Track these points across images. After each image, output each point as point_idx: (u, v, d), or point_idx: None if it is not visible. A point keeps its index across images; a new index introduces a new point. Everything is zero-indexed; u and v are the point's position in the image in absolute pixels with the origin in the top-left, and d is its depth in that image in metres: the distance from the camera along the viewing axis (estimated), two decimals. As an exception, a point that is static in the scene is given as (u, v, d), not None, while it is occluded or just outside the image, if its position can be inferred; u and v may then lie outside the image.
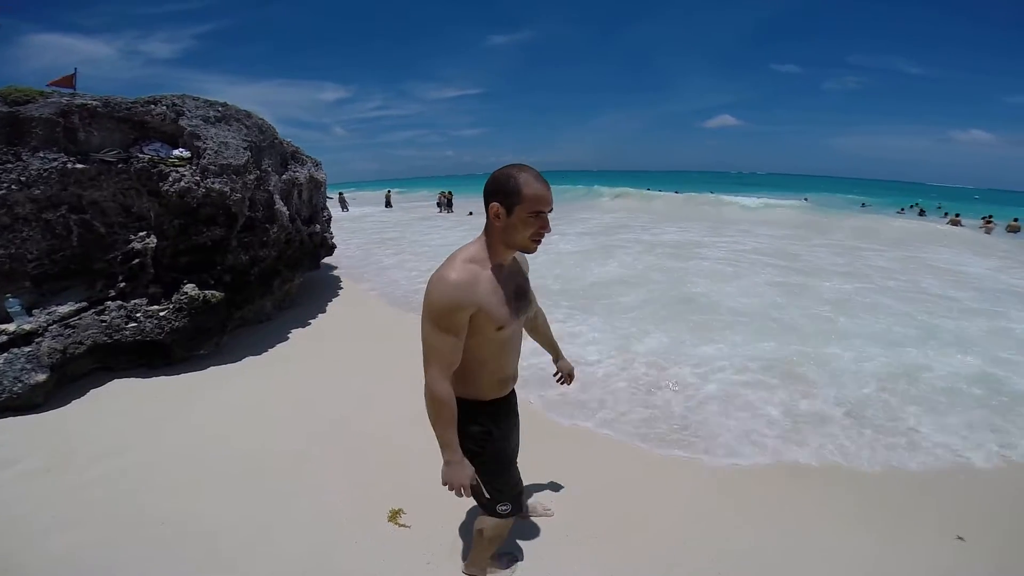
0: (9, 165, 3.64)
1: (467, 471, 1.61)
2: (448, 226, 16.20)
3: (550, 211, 1.50)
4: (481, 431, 1.69)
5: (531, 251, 1.55)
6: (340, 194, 24.19)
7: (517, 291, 1.64)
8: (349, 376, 4.37)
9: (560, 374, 2.19)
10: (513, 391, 1.84)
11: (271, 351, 5.00)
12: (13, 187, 3.60)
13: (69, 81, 6.83)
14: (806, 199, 25.23)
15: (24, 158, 3.66)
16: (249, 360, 4.74)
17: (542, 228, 1.50)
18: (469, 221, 17.43)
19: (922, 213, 23.08)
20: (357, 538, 2.40)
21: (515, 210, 1.46)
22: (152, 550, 2.35)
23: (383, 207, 24.95)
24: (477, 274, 1.50)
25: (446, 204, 22.26)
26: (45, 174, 3.68)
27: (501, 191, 1.46)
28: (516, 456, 1.92)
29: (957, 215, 19.85)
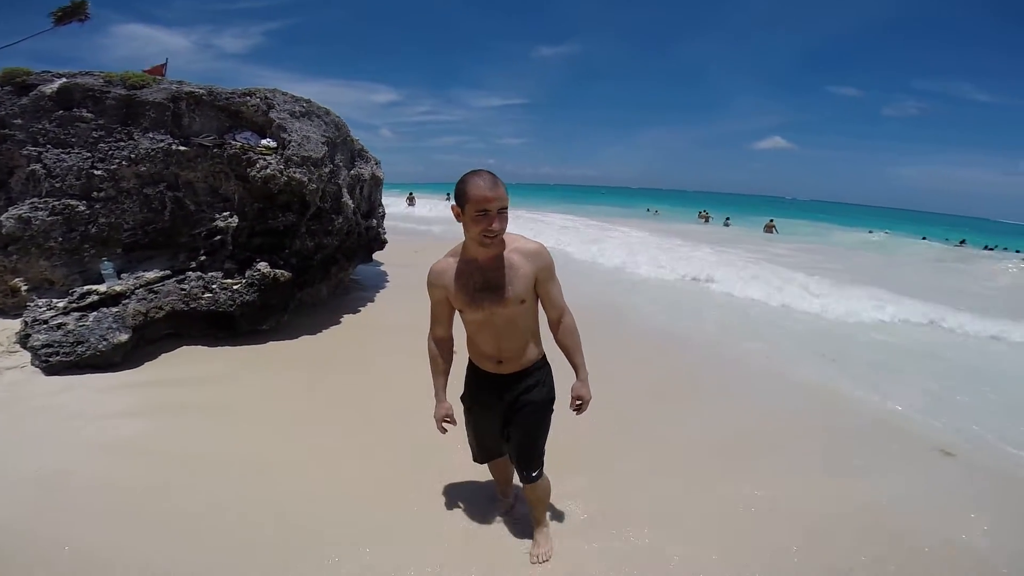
0: (122, 143, 4.05)
1: (439, 411, 2.12)
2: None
3: (500, 210, 1.72)
4: (466, 390, 2.20)
5: (484, 247, 1.80)
6: (410, 194, 25.65)
7: (484, 284, 1.87)
8: (392, 358, 4.63)
9: (573, 398, 2.07)
10: (507, 374, 2.03)
11: (325, 332, 5.31)
12: (123, 163, 4.01)
13: (160, 70, 7.38)
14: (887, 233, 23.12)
15: (135, 137, 4.08)
16: (305, 339, 5.05)
17: (487, 227, 1.72)
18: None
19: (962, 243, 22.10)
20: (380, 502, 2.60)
21: (465, 210, 1.74)
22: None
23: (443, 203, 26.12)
24: (450, 266, 1.93)
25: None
26: (152, 153, 4.08)
27: (457, 193, 1.76)
28: (487, 429, 2.19)
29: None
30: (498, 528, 2.47)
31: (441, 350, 2.17)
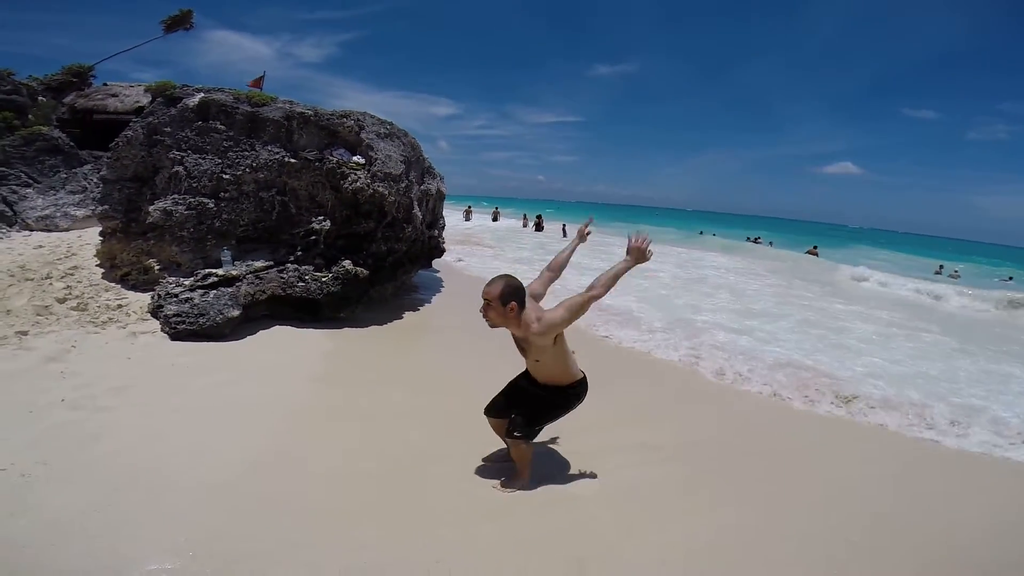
0: (246, 153, 4.96)
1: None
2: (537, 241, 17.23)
3: (485, 302, 2.57)
4: None
5: None
6: (468, 207, 26.98)
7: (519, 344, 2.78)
8: (443, 350, 5.43)
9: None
10: (528, 379, 2.87)
11: (389, 325, 6.09)
12: (247, 170, 4.90)
13: (259, 83, 8.49)
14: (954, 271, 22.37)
15: (257, 149, 4.97)
16: (373, 328, 5.83)
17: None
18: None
19: None
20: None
21: None
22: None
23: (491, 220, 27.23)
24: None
25: (535, 226, 24.07)
26: (270, 163, 4.96)
27: None
28: (505, 390, 2.98)
29: None
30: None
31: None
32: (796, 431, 4.32)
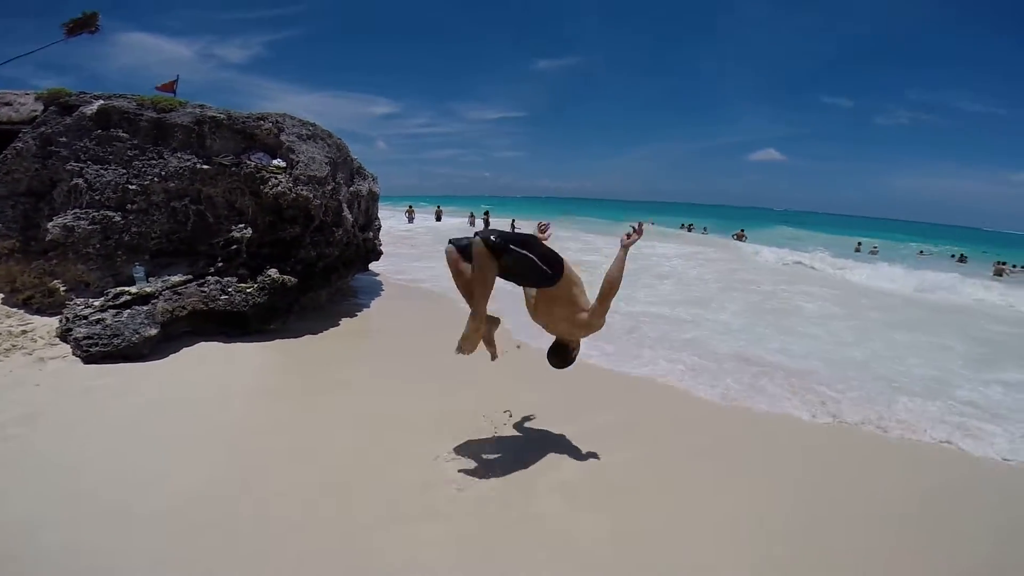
0: (153, 161, 4.69)
1: None
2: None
3: None
4: None
5: None
6: (410, 207, 26.47)
7: None
8: (381, 355, 5.35)
9: None
10: None
11: (325, 333, 5.91)
12: (155, 179, 4.64)
13: (171, 87, 8.05)
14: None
15: (165, 156, 4.71)
16: (307, 338, 5.65)
17: None
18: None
19: (962, 259, 22.88)
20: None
21: None
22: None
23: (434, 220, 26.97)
24: None
25: (484, 224, 24.07)
26: (180, 171, 4.71)
27: None
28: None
29: (1003, 263, 19.90)
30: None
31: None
32: (747, 427, 4.26)
